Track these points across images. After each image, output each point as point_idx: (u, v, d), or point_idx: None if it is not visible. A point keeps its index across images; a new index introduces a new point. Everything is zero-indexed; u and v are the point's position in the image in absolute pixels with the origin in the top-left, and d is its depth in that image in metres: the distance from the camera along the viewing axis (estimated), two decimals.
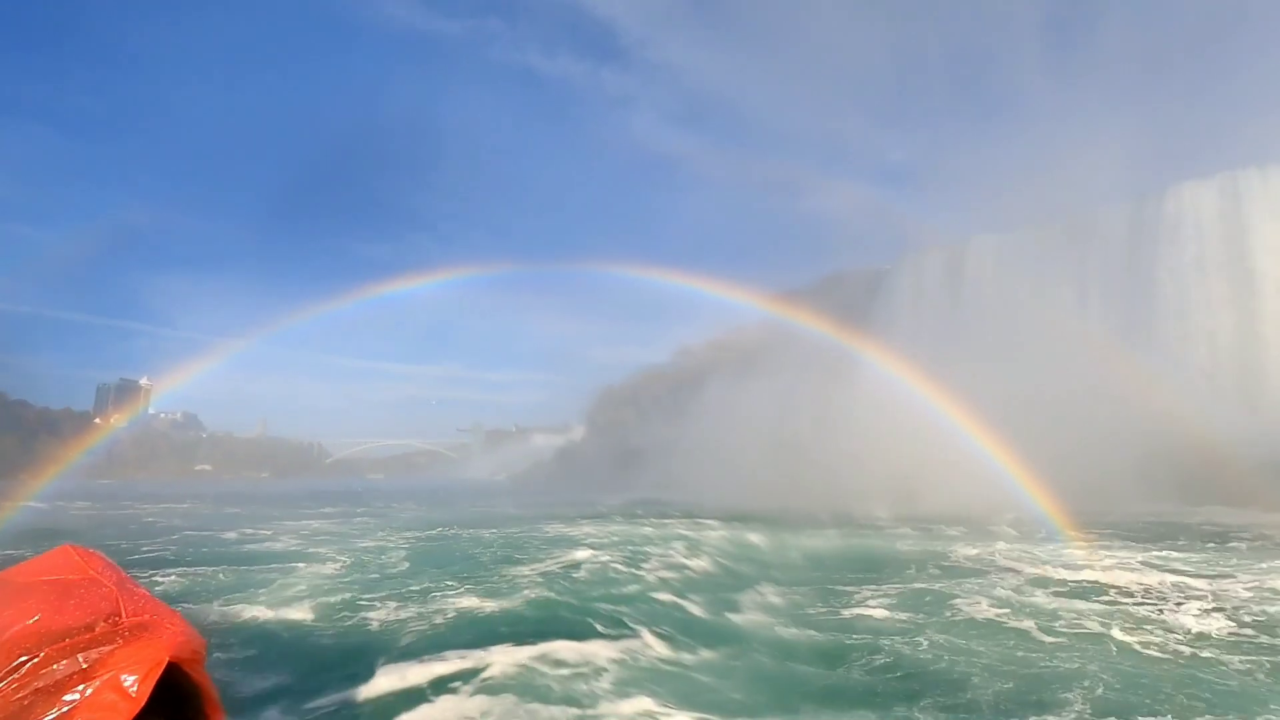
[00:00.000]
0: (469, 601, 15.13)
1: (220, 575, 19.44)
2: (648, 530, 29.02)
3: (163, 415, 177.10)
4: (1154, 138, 72.88)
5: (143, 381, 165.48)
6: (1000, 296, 62.13)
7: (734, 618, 14.37)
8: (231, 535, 30.27)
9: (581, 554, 21.31)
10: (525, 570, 18.81)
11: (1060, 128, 78.20)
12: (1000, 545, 24.67)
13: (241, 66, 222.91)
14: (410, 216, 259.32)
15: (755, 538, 26.46)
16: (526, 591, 15.64)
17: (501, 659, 10.75)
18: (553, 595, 15.28)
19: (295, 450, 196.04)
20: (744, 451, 63.12)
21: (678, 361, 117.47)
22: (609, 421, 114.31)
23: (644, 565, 19.21)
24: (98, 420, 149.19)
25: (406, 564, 21.11)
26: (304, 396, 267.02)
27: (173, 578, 18.81)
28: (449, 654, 11.04)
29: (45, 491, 74.15)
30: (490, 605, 14.62)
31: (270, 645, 12.37)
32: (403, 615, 14.09)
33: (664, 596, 15.68)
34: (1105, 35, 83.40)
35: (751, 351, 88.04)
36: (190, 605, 15.21)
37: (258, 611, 14.68)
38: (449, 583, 17.35)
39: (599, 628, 12.68)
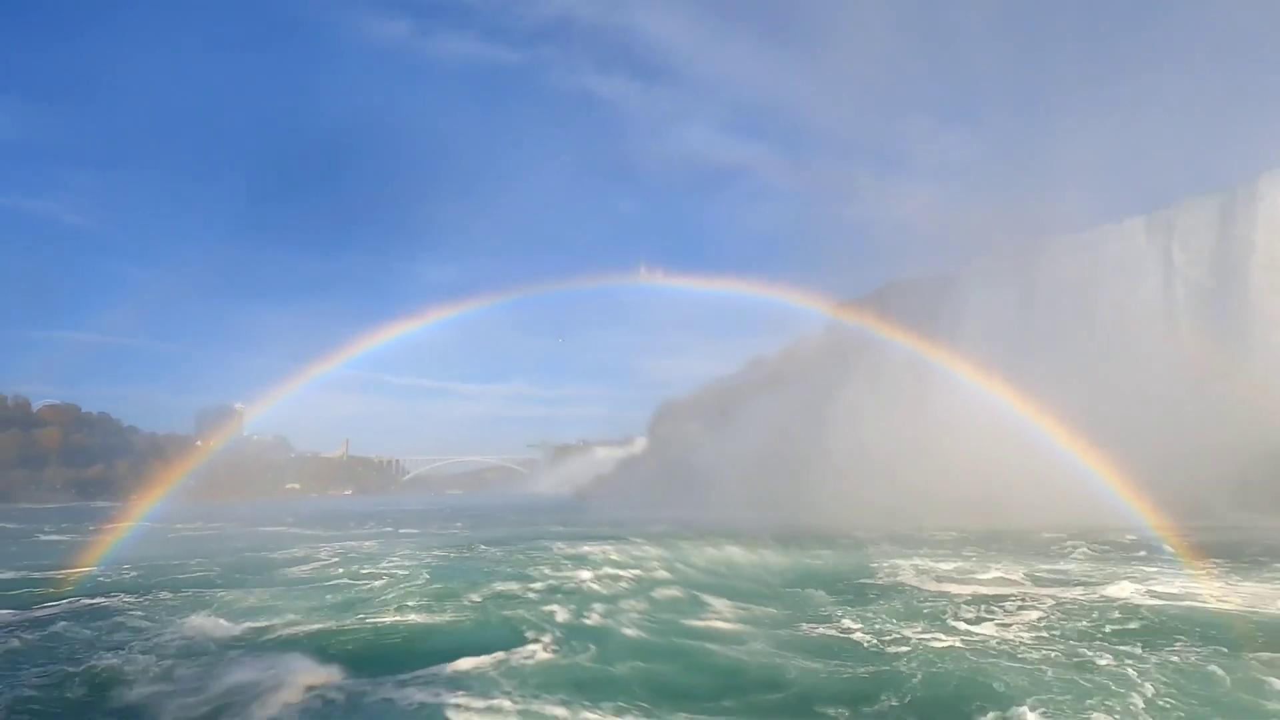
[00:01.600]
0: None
1: (240, 593, 20.91)
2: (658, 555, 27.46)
3: (255, 437, 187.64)
4: (1241, 125, 68.64)
5: (237, 406, 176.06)
6: (1078, 298, 59.51)
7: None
8: (277, 555, 32.16)
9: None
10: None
11: (1138, 118, 74.16)
12: (1127, 586, 20.21)
13: (316, 104, 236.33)
14: (475, 239, 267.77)
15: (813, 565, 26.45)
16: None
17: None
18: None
19: (375, 468, 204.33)
20: (807, 466, 62.14)
21: (748, 373, 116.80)
22: (670, 434, 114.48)
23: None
24: (198, 443, 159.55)
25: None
26: (381, 416, 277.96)
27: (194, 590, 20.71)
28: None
29: (153, 512, 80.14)
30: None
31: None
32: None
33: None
34: (1185, 16, 78.86)
35: (817, 361, 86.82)
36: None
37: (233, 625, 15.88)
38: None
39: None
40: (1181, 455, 44.15)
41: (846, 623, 16.20)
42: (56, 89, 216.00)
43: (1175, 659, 12.73)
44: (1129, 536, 34.23)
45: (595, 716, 10.61)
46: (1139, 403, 49.25)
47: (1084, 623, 15.89)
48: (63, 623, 15.99)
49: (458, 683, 11.85)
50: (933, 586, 21.62)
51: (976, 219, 74.33)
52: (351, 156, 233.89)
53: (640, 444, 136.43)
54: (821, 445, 64.31)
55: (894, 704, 11.32)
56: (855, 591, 20.52)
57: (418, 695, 11.24)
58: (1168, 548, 29.80)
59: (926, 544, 33.35)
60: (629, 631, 15.72)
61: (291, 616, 16.91)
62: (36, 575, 24.23)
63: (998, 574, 23.84)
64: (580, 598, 19.29)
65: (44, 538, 46.02)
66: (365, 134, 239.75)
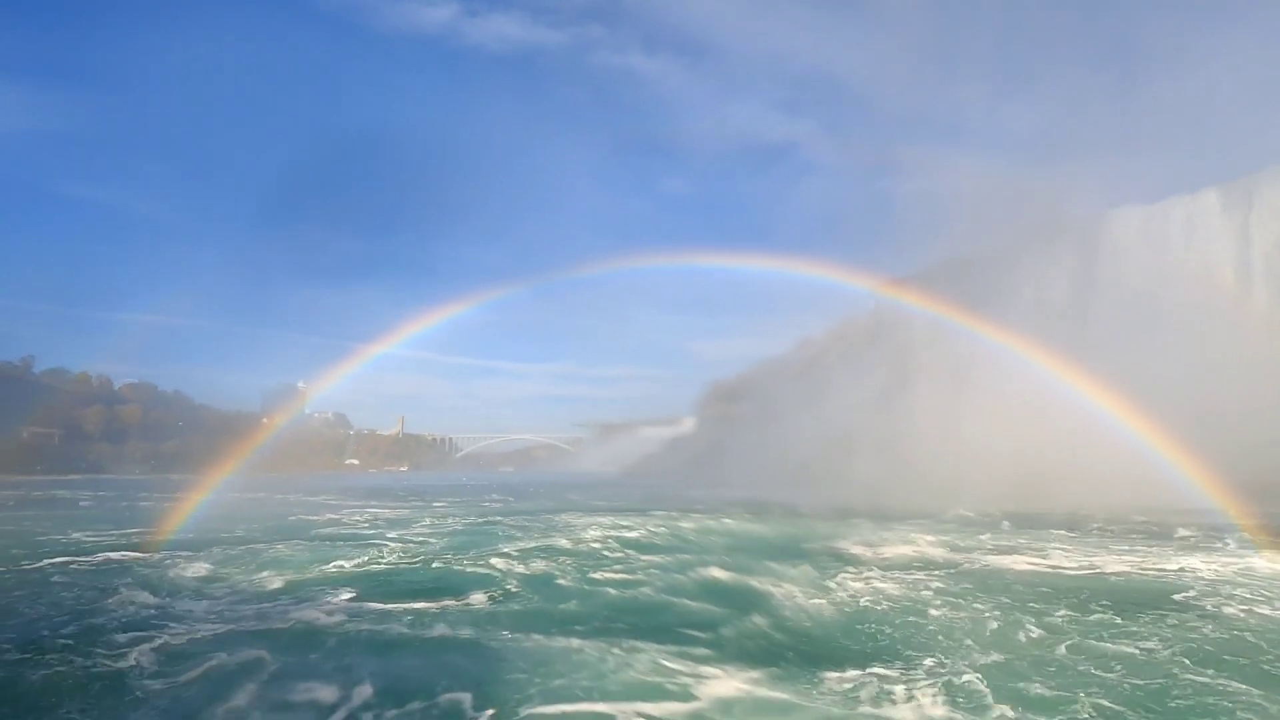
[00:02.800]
0: None
1: (275, 549, 24.10)
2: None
3: (316, 415, 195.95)
4: None
5: (299, 385, 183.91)
6: (1144, 274, 56.64)
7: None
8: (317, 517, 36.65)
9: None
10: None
11: (1214, 84, 69.39)
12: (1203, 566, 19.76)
13: (367, 92, 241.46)
14: (523, 220, 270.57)
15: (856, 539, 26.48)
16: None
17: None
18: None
19: (429, 445, 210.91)
20: (852, 446, 61.38)
21: (798, 353, 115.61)
22: (720, 414, 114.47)
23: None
24: (264, 420, 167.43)
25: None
26: (434, 395, 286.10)
27: (240, 549, 23.87)
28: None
29: (224, 484, 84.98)
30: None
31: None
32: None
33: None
34: None
35: (865, 342, 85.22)
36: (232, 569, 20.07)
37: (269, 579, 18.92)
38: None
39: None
40: (1258, 437, 42.08)
41: (786, 585, 17.54)
42: (126, 81, 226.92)
43: None
44: (1199, 519, 32.96)
45: (515, 636, 12.77)
46: (1211, 384, 46.91)
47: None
48: (160, 567, 20.84)
49: (426, 618, 14.33)
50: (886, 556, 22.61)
51: (1035, 192, 71.21)
52: (403, 142, 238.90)
53: (688, 424, 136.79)
54: (868, 426, 63.41)
55: (785, 643, 13.00)
56: (804, 556, 22.11)
57: (377, 627, 13.72)
58: (1244, 533, 28.68)
59: (950, 522, 32.89)
60: (567, 583, 18.20)
61: (319, 566, 20.90)
62: (136, 533, 29.95)
63: (1032, 552, 23.31)
64: (568, 557, 21.99)
65: (140, 504, 50.48)
66: (416, 119, 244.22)
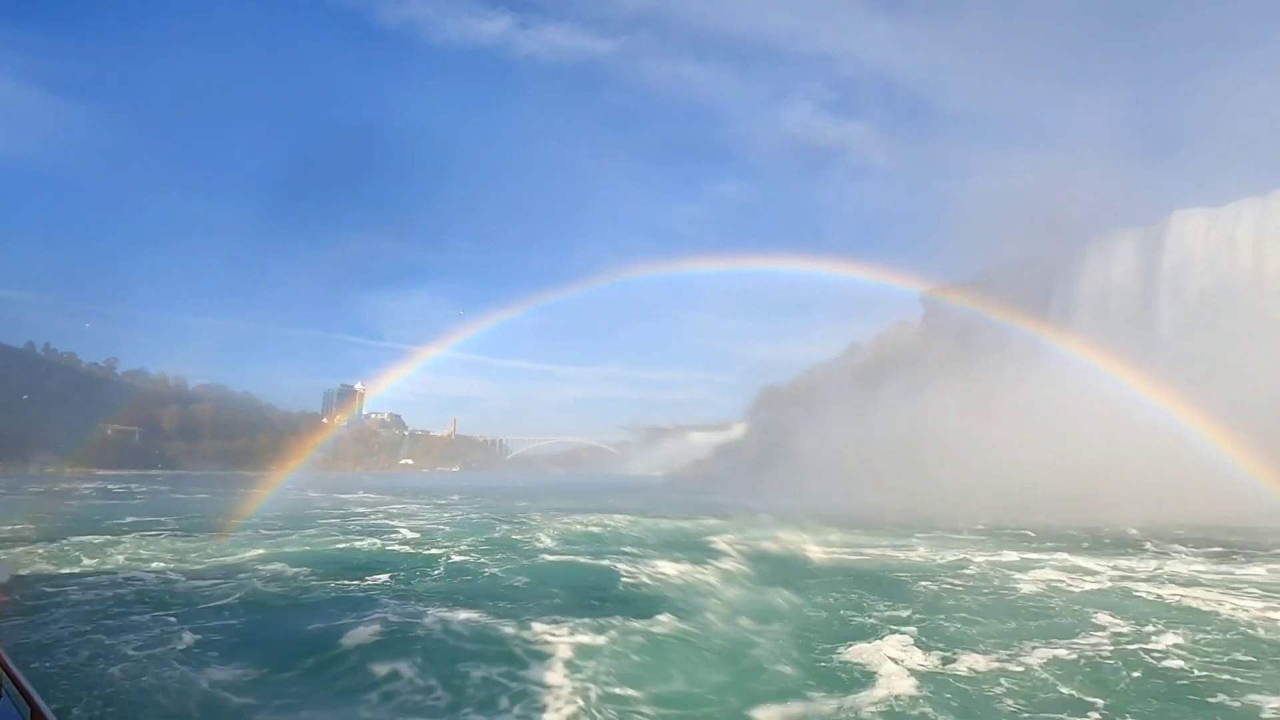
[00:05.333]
0: None
1: (296, 534, 30.76)
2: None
3: (373, 416, 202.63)
4: None
5: (357, 386, 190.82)
6: (1212, 277, 54.75)
7: None
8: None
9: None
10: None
11: None
12: None
13: (424, 105, 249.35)
14: (573, 224, 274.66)
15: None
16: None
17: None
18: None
19: (480, 447, 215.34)
20: (901, 456, 60.56)
21: (845, 360, 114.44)
22: (772, 421, 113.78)
23: None
24: (325, 420, 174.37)
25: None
26: (485, 398, 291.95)
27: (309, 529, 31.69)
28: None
29: (289, 480, 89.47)
30: None
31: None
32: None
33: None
34: None
35: (915, 348, 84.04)
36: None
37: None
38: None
39: None
40: None
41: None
42: (203, 94, 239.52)
43: None
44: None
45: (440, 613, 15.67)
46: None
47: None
48: (241, 544, 27.86)
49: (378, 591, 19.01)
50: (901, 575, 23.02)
51: (1098, 192, 69.41)
52: (460, 152, 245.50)
53: (738, 429, 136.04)
54: (917, 435, 62.67)
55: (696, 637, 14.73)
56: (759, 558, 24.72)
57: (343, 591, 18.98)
58: None
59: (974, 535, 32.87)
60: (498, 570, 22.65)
61: (344, 543, 28.45)
62: (220, 519, 37.98)
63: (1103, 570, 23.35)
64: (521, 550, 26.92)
65: (221, 497, 56.72)
66: (472, 130, 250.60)
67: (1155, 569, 23.40)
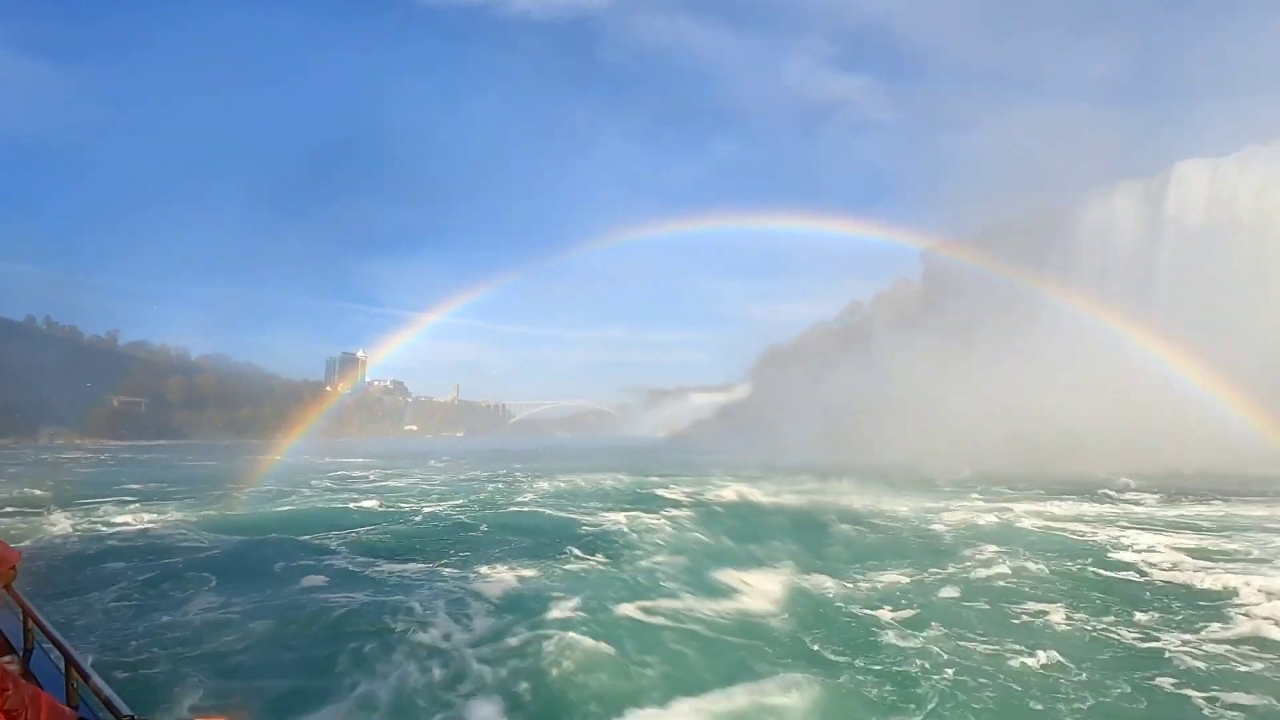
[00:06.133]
0: None
1: (296, 497, 32.80)
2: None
3: (376, 383, 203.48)
4: None
5: (359, 354, 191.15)
6: (1213, 227, 54.45)
7: None
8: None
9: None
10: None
11: None
12: None
13: (418, 66, 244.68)
14: (573, 186, 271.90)
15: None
16: None
17: None
18: None
19: (483, 412, 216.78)
20: (895, 413, 60.97)
21: (845, 317, 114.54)
22: (773, 380, 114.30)
23: None
24: (328, 389, 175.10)
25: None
26: (488, 363, 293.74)
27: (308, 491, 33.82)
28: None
29: (294, 448, 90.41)
30: None
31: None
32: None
33: None
34: None
35: (920, 305, 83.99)
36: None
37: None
38: None
39: None
40: None
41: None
42: (197, 64, 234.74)
43: None
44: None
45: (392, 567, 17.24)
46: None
47: None
48: (256, 502, 30.98)
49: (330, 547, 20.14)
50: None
51: (1102, 144, 68.51)
52: (454, 113, 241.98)
53: (741, 390, 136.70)
54: (912, 390, 63.05)
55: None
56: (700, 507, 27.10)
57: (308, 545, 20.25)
58: None
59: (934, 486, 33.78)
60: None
61: (337, 504, 30.30)
62: (232, 485, 39.29)
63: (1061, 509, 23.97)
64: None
65: (231, 463, 58.51)
66: (466, 89, 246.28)
67: (1076, 511, 25.27)
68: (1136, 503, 27.93)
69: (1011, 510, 25.50)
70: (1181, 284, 53.61)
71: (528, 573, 16.49)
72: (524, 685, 10.04)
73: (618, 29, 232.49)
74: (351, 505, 29.54)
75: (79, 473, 50.15)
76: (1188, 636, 11.67)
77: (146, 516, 24.97)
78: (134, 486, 37.37)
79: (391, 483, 40.11)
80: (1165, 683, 9.81)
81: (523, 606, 13.65)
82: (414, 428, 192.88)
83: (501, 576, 16.11)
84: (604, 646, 11.28)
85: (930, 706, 9.33)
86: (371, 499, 31.54)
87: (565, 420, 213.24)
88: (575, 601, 13.71)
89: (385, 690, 9.98)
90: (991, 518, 23.77)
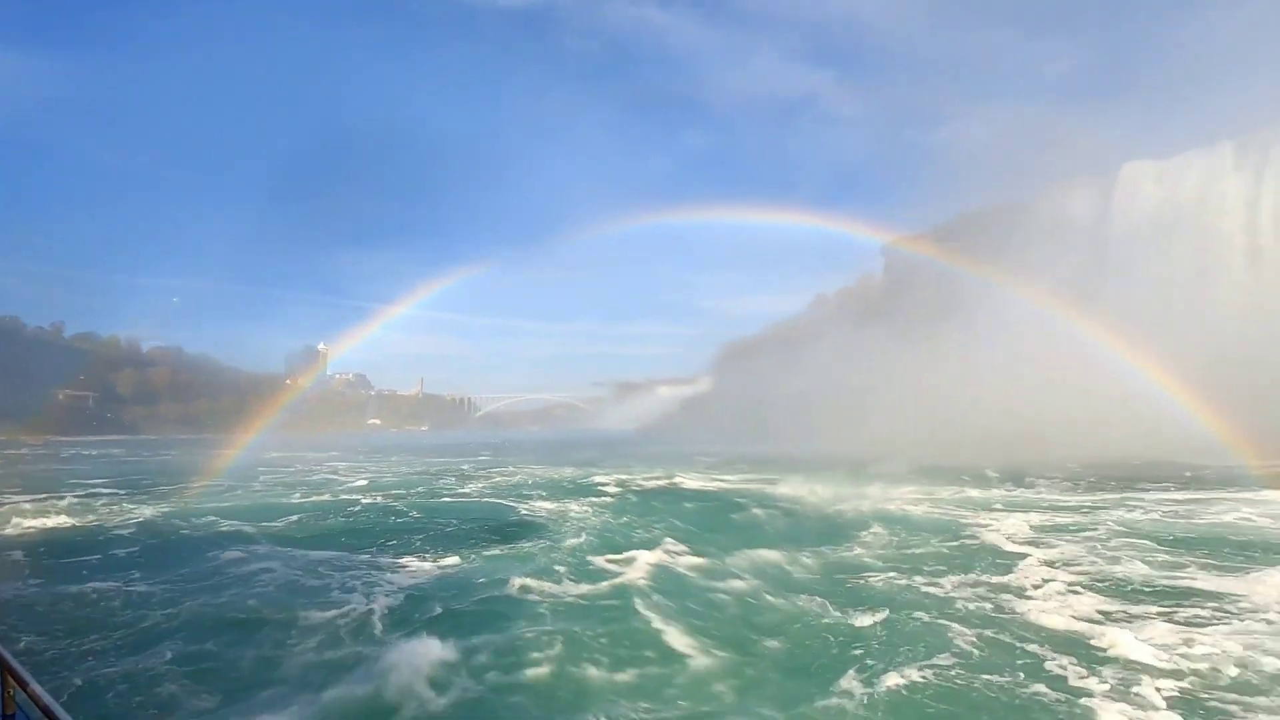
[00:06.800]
0: None
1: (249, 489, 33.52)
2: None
3: (338, 376, 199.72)
4: None
5: (320, 347, 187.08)
6: (1158, 226, 56.54)
7: None
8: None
9: None
10: None
11: (1256, 31, 67.02)
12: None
13: (382, 56, 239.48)
14: (540, 177, 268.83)
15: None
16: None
17: None
18: None
19: (448, 405, 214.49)
20: (857, 404, 62.28)
21: (811, 312, 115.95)
22: (737, 373, 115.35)
23: None
24: (288, 381, 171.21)
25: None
26: (454, 356, 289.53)
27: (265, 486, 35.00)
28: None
29: (254, 442, 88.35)
30: None
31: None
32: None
33: None
34: None
35: (878, 299, 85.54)
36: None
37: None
38: None
39: None
40: (1266, 388, 42.67)
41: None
42: (151, 48, 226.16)
43: None
44: (1214, 465, 34.27)
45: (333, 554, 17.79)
46: (1220, 334, 47.32)
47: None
48: (216, 496, 30.77)
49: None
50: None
51: (1059, 139, 70.31)
52: (419, 103, 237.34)
53: (705, 383, 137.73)
54: (870, 384, 64.35)
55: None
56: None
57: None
58: (1252, 476, 30.04)
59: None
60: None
61: (283, 498, 30.37)
62: (194, 480, 39.31)
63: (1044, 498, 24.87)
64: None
65: (185, 458, 57.77)
66: (431, 79, 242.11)
67: (975, 497, 26.48)
68: (1034, 488, 28.96)
69: (931, 496, 26.38)
70: (1130, 280, 55.51)
71: (450, 560, 17.27)
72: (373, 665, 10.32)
73: (587, 17, 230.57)
74: (297, 499, 29.53)
75: (24, 469, 48.70)
76: (975, 588, 14.00)
77: (90, 514, 24.41)
78: (77, 482, 36.45)
79: (343, 477, 40.38)
80: (958, 629, 11.48)
81: (424, 590, 14.34)
82: (377, 421, 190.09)
83: (419, 564, 16.92)
84: (476, 631, 11.70)
85: (761, 665, 10.38)
86: (319, 492, 31.74)
87: (535, 414, 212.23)
88: (477, 583, 14.57)
89: (282, 675, 10.16)
90: (900, 503, 24.55)
